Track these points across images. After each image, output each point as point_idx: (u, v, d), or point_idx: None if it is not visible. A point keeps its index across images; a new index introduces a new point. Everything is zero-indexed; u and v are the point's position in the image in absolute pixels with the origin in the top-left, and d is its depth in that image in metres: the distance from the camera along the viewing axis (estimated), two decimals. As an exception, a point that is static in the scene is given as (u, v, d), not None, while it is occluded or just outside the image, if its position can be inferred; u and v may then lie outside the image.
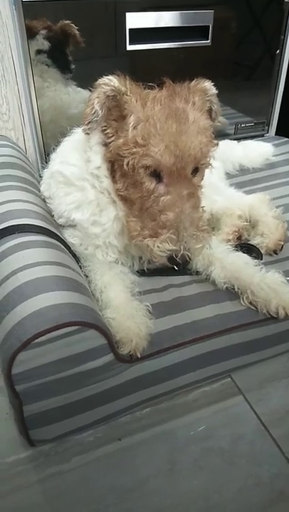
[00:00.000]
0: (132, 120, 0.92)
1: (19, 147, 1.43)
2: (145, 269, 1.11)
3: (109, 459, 0.94)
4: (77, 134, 1.09)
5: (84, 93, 1.53)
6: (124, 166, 0.93)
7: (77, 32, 1.43)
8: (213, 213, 1.25)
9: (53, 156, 1.16)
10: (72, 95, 1.57)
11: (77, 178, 1.05)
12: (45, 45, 1.46)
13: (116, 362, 0.89)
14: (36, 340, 0.75)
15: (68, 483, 0.89)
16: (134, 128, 0.91)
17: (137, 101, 0.92)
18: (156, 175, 0.92)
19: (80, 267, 1.05)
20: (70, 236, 1.09)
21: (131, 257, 1.11)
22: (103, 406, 0.94)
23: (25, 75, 1.41)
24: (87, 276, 1.04)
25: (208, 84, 1.01)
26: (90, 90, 0.98)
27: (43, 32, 1.43)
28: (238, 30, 1.68)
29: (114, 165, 0.98)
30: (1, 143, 1.35)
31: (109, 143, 0.97)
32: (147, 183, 0.92)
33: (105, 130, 0.97)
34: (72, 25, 1.42)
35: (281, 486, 0.90)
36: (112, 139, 0.96)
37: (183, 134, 0.90)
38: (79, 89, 1.56)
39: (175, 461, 0.94)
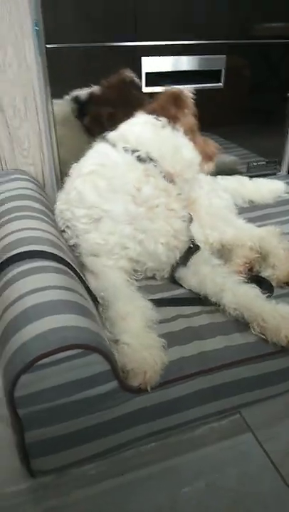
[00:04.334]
0: None
1: (37, 181, 1.49)
2: None
3: (109, 494, 0.90)
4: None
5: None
6: None
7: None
8: (223, 244, 1.25)
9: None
10: None
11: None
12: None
13: (120, 390, 0.86)
14: (39, 362, 0.75)
15: (66, 518, 0.86)
16: None
17: None
18: None
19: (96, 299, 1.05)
20: (95, 238, 1.12)
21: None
22: (107, 437, 0.91)
23: (46, 115, 1.48)
24: (98, 302, 1.03)
25: None
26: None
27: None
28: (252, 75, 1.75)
29: None
30: (20, 176, 1.41)
31: None
32: None
33: None
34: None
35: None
36: None
37: None
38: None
39: (177, 499, 0.89)
